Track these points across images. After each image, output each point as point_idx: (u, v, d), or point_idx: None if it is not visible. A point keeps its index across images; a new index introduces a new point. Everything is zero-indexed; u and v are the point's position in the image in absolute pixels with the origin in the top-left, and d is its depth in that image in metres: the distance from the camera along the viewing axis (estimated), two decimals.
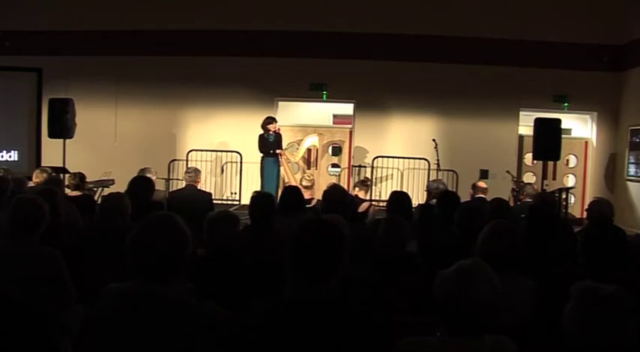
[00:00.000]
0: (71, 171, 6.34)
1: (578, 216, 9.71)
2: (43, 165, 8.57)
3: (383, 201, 9.06)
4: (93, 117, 10.25)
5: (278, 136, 9.10)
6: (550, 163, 9.13)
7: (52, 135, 8.81)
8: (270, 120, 9.09)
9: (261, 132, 9.05)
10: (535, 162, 9.72)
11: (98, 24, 10.56)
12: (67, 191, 5.71)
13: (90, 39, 10.58)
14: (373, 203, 6.49)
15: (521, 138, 10.63)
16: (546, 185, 8.57)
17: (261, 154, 9.03)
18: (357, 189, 6.28)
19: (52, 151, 9.22)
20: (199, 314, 1.81)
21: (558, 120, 8.45)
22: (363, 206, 5.82)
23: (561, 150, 8.36)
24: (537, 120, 8.47)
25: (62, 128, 8.63)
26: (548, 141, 8.18)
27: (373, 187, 10.21)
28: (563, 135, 8.50)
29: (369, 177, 10.20)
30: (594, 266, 2.77)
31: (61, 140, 8.70)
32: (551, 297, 2.60)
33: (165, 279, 1.82)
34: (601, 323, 1.73)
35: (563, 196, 8.66)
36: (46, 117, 9.05)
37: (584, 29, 10.16)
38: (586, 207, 5.24)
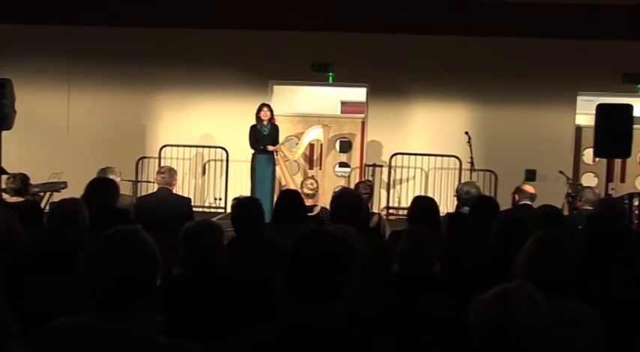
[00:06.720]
0: (9, 172, 6.36)
1: None
2: None
3: (403, 208, 9.07)
4: (38, 103, 10.31)
5: (274, 128, 9.11)
6: (617, 161, 9.11)
7: None
8: (261, 106, 9.10)
9: (254, 122, 9.07)
10: (597, 160, 9.70)
11: None
12: (6, 196, 5.75)
13: (33, 3, 10.59)
14: (383, 213, 6.40)
15: (579, 129, 10.64)
16: (612, 189, 8.57)
17: (252, 150, 9.05)
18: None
19: None
20: None
21: (629, 107, 8.41)
22: (373, 221, 5.78)
23: (632, 144, 8.33)
24: (601, 107, 8.45)
25: None
26: (615, 133, 8.15)
27: (391, 190, 10.22)
28: (635, 126, 8.47)
29: (386, 179, 10.21)
30: None
31: None
32: (618, 331, 2.59)
33: (127, 312, 1.81)
34: None
35: (635, 203, 8.62)
36: None
37: None
38: None
